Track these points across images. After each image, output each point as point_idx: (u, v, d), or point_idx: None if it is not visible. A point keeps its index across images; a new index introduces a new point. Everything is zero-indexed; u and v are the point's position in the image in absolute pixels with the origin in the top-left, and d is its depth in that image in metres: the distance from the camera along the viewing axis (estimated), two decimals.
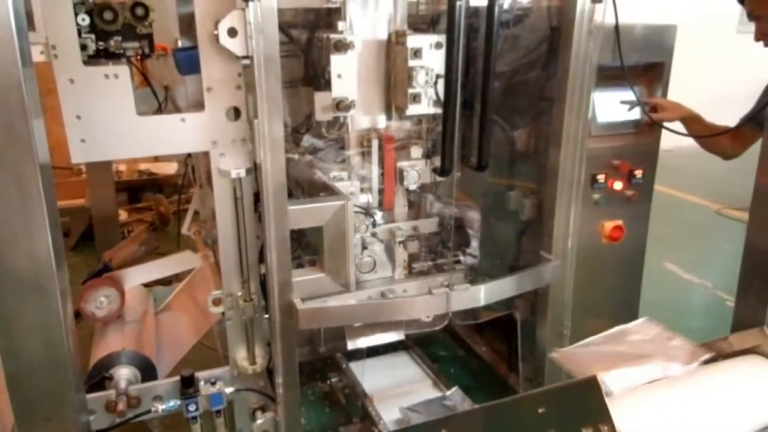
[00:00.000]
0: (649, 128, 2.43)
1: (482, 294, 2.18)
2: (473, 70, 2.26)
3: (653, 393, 1.41)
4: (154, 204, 5.01)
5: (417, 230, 2.51)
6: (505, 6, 2.26)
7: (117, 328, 2.52)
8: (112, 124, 1.83)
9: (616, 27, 2.16)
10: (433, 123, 2.37)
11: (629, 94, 2.29)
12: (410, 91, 2.13)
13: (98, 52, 1.89)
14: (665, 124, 2.40)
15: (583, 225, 2.34)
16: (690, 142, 2.47)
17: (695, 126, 2.39)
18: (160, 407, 2.11)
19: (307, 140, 2.32)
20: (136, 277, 2.77)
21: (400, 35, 2.15)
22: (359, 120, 2.29)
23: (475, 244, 2.63)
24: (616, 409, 1.31)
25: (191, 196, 3.31)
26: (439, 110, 2.18)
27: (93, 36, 1.86)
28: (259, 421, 2.20)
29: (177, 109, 2.33)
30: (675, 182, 5.71)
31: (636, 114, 2.40)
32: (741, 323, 1.89)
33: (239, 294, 2.10)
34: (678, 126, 2.42)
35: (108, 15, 1.86)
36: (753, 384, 1.49)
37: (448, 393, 2.63)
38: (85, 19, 1.82)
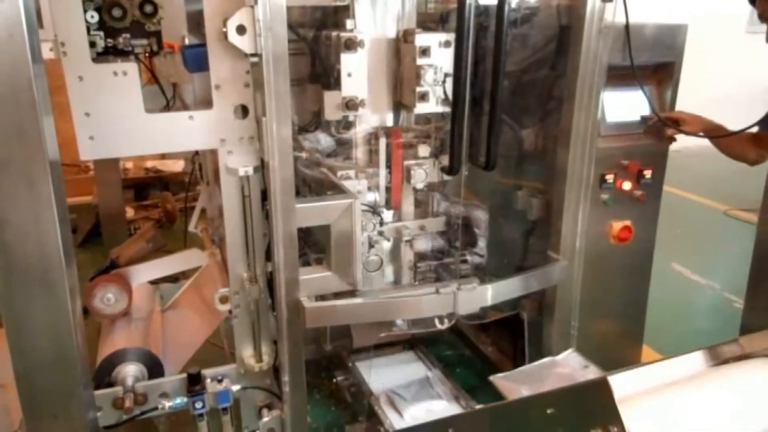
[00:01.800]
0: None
1: (489, 294, 2.18)
2: (482, 69, 2.25)
3: (663, 395, 1.40)
4: (161, 201, 5.02)
5: (424, 229, 2.51)
6: (515, 4, 2.24)
7: (124, 326, 2.52)
8: (121, 121, 1.83)
9: (627, 26, 2.15)
10: (441, 122, 2.36)
11: (639, 94, 2.28)
12: (418, 89, 2.12)
13: (107, 50, 1.89)
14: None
15: (592, 225, 2.33)
16: (698, 143, 2.45)
17: (721, 135, 2.36)
18: (167, 404, 2.11)
19: (313, 139, 2.32)
20: (143, 274, 2.76)
21: (409, 33, 2.14)
22: (367, 118, 2.28)
23: (482, 243, 2.62)
24: (625, 410, 1.31)
25: (198, 194, 3.32)
26: (447, 109, 2.17)
27: (102, 33, 1.86)
28: (265, 419, 2.19)
29: (185, 107, 2.34)
30: (683, 182, 5.69)
31: (645, 113, 2.38)
32: (749, 325, 1.88)
33: (245, 275, 2.08)
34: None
35: (117, 12, 1.86)
36: (764, 387, 1.48)
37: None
38: (93, 16, 1.82)
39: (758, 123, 2.20)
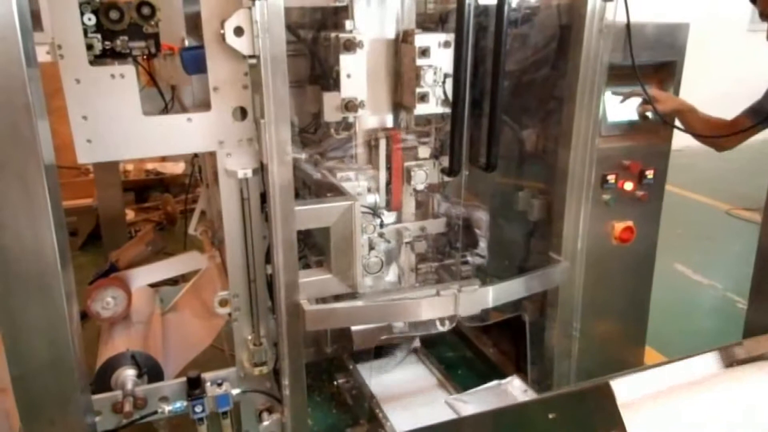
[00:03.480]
0: (660, 128, 2.39)
1: (490, 296, 2.16)
2: (482, 69, 2.24)
3: (666, 399, 1.38)
4: (162, 204, 5.01)
5: (425, 231, 2.49)
6: (515, 4, 2.23)
7: (123, 329, 2.51)
8: (118, 124, 1.81)
9: (628, 25, 2.13)
10: (442, 122, 2.35)
11: (640, 93, 2.26)
12: (418, 90, 2.11)
13: (104, 52, 1.88)
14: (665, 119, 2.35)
15: (593, 226, 2.31)
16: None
17: (690, 117, 2.36)
18: (167, 408, 2.10)
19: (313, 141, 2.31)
20: (142, 277, 2.76)
21: (408, 34, 2.13)
22: (367, 120, 2.27)
23: (483, 244, 2.61)
24: (627, 415, 1.29)
25: (198, 196, 3.31)
26: (448, 110, 2.15)
27: (99, 36, 1.85)
28: (265, 423, 2.18)
29: (183, 109, 2.33)
30: (685, 182, 5.67)
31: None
32: (753, 326, 1.87)
33: (249, 337, 2.12)
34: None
35: (114, 14, 1.85)
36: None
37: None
38: (91, 19, 1.81)
39: (757, 122, 2.19)
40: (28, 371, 1.48)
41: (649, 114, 2.35)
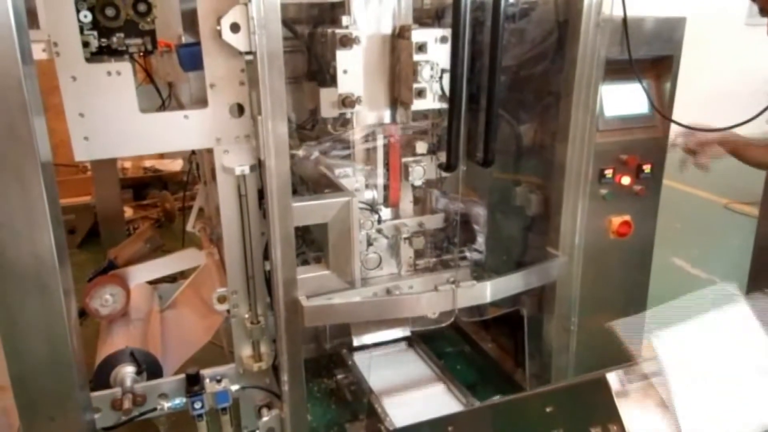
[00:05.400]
0: (659, 122, 2.39)
1: (488, 291, 2.17)
2: (479, 65, 2.24)
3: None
4: (160, 201, 5.01)
5: (422, 226, 2.50)
6: None
7: (122, 326, 2.51)
8: (115, 121, 1.81)
9: (624, 19, 2.13)
10: (439, 118, 2.35)
11: (638, 88, 2.26)
12: (415, 86, 2.11)
13: (101, 49, 1.87)
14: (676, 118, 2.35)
15: (591, 220, 2.31)
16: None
17: (748, 151, 2.31)
18: (166, 405, 2.11)
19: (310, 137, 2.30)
20: (141, 274, 2.76)
21: (405, 29, 2.13)
22: (364, 116, 2.27)
23: (481, 239, 2.61)
24: (625, 408, 1.29)
25: (196, 193, 3.30)
26: (445, 105, 2.16)
27: (95, 33, 1.84)
28: (264, 419, 2.19)
29: (180, 106, 2.33)
30: (683, 176, 5.66)
31: (644, 108, 2.37)
32: None
33: (246, 316, 2.11)
34: (687, 120, 2.37)
35: (110, 11, 1.85)
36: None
37: None
38: (87, 16, 1.81)
39: None
40: (26, 369, 1.49)
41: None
